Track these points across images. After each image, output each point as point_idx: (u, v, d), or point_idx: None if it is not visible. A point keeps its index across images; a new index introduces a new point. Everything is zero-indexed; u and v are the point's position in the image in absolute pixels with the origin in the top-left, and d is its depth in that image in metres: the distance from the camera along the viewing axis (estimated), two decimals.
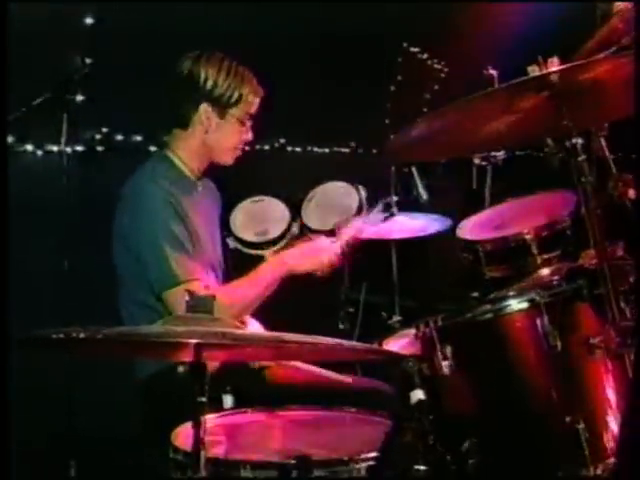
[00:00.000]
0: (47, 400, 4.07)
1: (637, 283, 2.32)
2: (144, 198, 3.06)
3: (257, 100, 3.19)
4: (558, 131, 2.14)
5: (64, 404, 3.65)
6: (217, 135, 3.17)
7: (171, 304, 2.94)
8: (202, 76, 3.12)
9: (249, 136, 3.23)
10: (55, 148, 3.86)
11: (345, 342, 1.95)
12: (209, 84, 3.11)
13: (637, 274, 2.36)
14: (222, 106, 3.13)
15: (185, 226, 3.05)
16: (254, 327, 3.32)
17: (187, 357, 1.97)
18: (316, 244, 3.26)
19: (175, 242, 2.98)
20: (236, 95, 3.12)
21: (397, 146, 2.38)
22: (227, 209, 3.95)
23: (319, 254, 3.18)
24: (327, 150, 5.48)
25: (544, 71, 2.08)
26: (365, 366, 3.92)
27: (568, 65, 2.08)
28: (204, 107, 3.13)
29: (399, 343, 3.11)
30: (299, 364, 3.05)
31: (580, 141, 2.09)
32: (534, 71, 2.12)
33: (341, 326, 4.20)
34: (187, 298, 2.38)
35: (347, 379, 3.07)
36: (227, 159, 3.24)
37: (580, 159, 2.08)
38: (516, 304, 2.45)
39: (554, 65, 2.14)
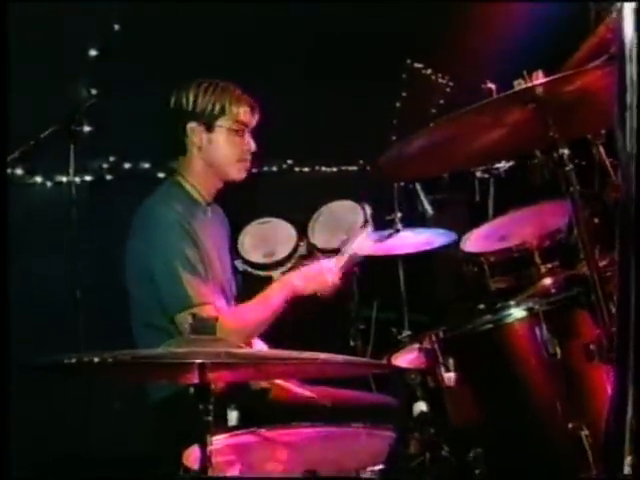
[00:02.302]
0: (62, 422, 4.13)
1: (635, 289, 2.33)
2: (157, 221, 3.11)
3: (244, 109, 3.23)
4: (546, 143, 2.17)
5: (79, 426, 3.70)
6: (212, 149, 3.22)
7: (183, 326, 2.96)
8: (184, 100, 3.20)
9: (251, 146, 3.27)
10: (64, 179, 3.91)
11: (344, 357, 1.99)
12: (191, 104, 3.19)
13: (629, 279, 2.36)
14: (207, 120, 3.19)
15: (197, 249, 3.09)
16: (259, 347, 3.37)
17: (191, 378, 2.02)
18: (319, 265, 3.28)
19: (188, 265, 3.02)
20: (218, 107, 3.18)
21: (388, 163, 2.41)
22: (235, 232, 4.00)
23: (323, 275, 3.20)
24: (335, 169, 5.52)
25: (528, 84, 2.12)
26: (379, 381, 3.96)
27: (551, 78, 2.11)
28: (190, 126, 3.20)
29: (407, 357, 3.15)
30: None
31: (567, 151, 2.12)
32: (520, 85, 2.17)
33: (352, 343, 4.23)
34: (190, 321, 2.43)
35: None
36: (234, 173, 3.27)
37: (567, 169, 2.12)
38: (515, 313, 2.48)
39: (539, 78, 2.18)
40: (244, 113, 3.23)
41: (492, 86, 3.67)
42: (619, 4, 1.45)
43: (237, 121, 3.22)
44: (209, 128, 3.20)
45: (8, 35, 3.34)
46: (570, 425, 2.38)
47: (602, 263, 2.43)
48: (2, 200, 3.30)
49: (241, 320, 3.08)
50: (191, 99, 3.19)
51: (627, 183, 1.39)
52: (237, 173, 3.28)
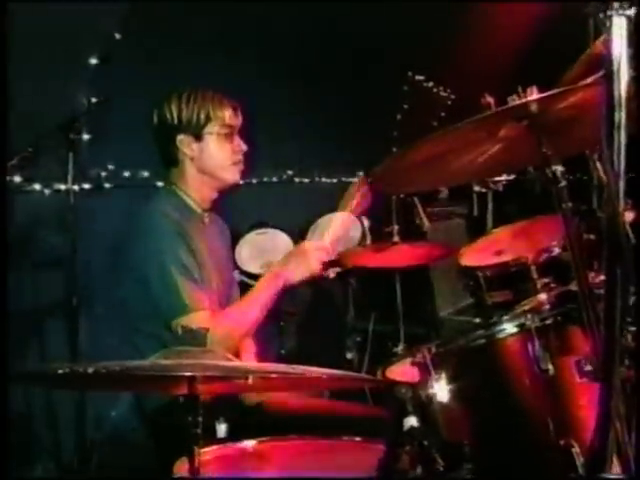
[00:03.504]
0: (55, 430, 4.13)
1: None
2: (152, 228, 3.11)
3: (228, 112, 3.23)
4: (540, 159, 2.16)
5: (74, 434, 3.71)
6: (205, 157, 3.22)
7: (178, 332, 2.95)
8: (168, 115, 3.21)
9: (242, 147, 3.27)
10: (62, 186, 3.92)
11: (333, 372, 1.98)
12: (175, 118, 3.20)
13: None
14: (195, 130, 3.20)
15: (193, 255, 3.08)
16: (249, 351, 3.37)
17: (181, 390, 2.01)
18: (301, 246, 3.25)
19: (184, 271, 3.01)
20: (203, 115, 3.19)
21: (381, 176, 2.40)
22: (233, 242, 4.01)
23: (307, 256, 3.15)
24: (335, 180, 5.52)
25: (521, 100, 2.12)
26: (375, 394, 3.96)
27: (545, 94, 2.11)
28: (179, 138, 3.21)
29: (401, 370, 3.14)
30: None
31: (560, 168, 2.12)
32: (514, 101, 2.17)
33: (349, 355, 4.23)
34: (180, 332, 2.43)
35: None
36: (229, 176, 3.27)
37: (561, 186, 2.12)
38: (507, 329, 2.48)
39: (533, 94, 2.17)
40: (229, 116, 3.24)
41: (491, 100, 3.68)
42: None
43: (224, 125, 3.23)
44: (198, 137, 3.21)
45: (7, 41, 3.35)
46: (561, 441, 2.37)
47: (598, 279, 2.43)
48: (2, 207, 3.31)
49: (233, 321, 3.05)
50: (175, 112, 3.20)
51: (614, 201, 1.39)
52: (232, 176, 3.28)
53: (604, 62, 1.46)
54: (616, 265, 1.39)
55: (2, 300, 3.24)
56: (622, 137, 1.38)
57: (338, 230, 3.32)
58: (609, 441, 1.46)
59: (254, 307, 3.09)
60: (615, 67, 1.39)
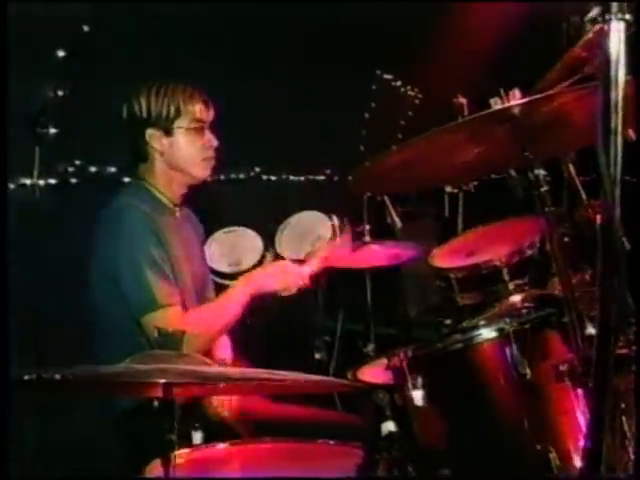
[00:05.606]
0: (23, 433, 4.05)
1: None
2: (122, 222, 3.04)
3: (199, 106, 3.18)
4: (522, 162, 2.15)
5: (39, 438, 3.63)
6: (174, 152, 3.17)
7: (149, 329, 2.89)
8: (137, 108, 3.15)
9: (213, 142, 3.22)
10: (28, 181, 3.84)
11: (312, 377, 1.95)
12: (144, 112, 3.14)
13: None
14: (165, 125, 3.14)
15: (164, 249, 3.03)
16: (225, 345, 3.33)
17: (155, 394, 1.97)
18: (285, 264, 3.26)
19: (155, 266, 2.96)
20: (173, 109, 3.14)
21: (364, 178, 2.38)
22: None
23: (288, 274, 3.17)
24: (302, 178, 5.48)
25: (505, 104, 2.11)
26: (344, 398, 3.92)
27: (529, 98, 2.09)
28: (149, 133, 3.15)
29: (373, 372, 3.12)
30: None
31: (542, 172, 2.10)
32: (496, 104, 2.15)
33: (317, 355, 4.19)
34: (155, 334, 2.37)
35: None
36: (199, 172, 3.22)
37: (543, 190, 2.10)
38: (485, 333, 2.46)
39: (515, 97, 2.16)
40: (200, 110, 3.18)
41: (463, 101, 3.66)
42: (598, 25, 1.43)
43: (194, 119, 3.17)
44: (168, 132, 3.15)
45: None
46: (538, 446, 2.36)
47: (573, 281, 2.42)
48: (2, 206, 3.22)
49: (205, 323, 3.01)
50: (144, 106, 3.14)
51: (610, 208, 1.37)
52: (202, 171, 3.23)
53: (595, 64, 1.44)
54: (611, 272, 1.37)
55: (2, 299, 3.16)
56: (619, 143, 1.35)
57: (323, 260, 3.31)
58: (602, 446, 1.43)
59: (226, 310, 3.07)
60: (612, 71, 1.36)
